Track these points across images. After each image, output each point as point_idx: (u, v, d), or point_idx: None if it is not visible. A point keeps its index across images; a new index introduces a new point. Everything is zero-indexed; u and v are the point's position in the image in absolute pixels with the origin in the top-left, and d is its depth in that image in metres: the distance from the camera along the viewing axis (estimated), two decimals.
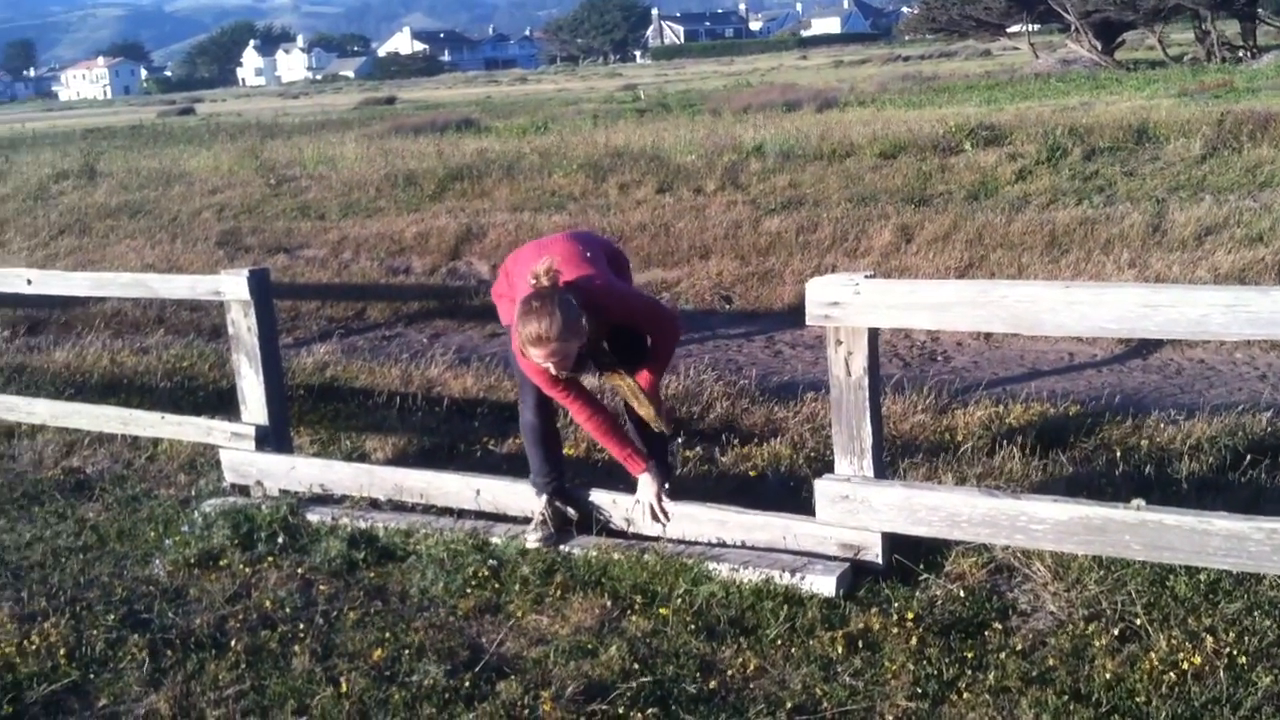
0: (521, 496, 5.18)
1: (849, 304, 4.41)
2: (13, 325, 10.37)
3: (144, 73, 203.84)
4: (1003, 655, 3.90)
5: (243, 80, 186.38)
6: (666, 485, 5.04)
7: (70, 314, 10.68)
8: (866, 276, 4.44)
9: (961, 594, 4.32)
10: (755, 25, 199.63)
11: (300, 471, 5.76)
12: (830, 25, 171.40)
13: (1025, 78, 34.03)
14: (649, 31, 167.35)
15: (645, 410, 4.90)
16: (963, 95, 27.68)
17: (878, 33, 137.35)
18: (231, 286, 5.74)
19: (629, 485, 5.10)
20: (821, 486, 4.62)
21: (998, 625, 4.10)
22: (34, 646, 4.37)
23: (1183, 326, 3.88)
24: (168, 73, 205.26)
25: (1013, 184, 12.53)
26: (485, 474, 5.51)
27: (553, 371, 4.71)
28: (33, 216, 16.21)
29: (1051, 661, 3.83)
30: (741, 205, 12.72)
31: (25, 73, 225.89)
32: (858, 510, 4.53)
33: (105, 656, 4.32)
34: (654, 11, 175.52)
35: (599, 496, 5.10)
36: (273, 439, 5.88)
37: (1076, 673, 3.76)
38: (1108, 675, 3.70)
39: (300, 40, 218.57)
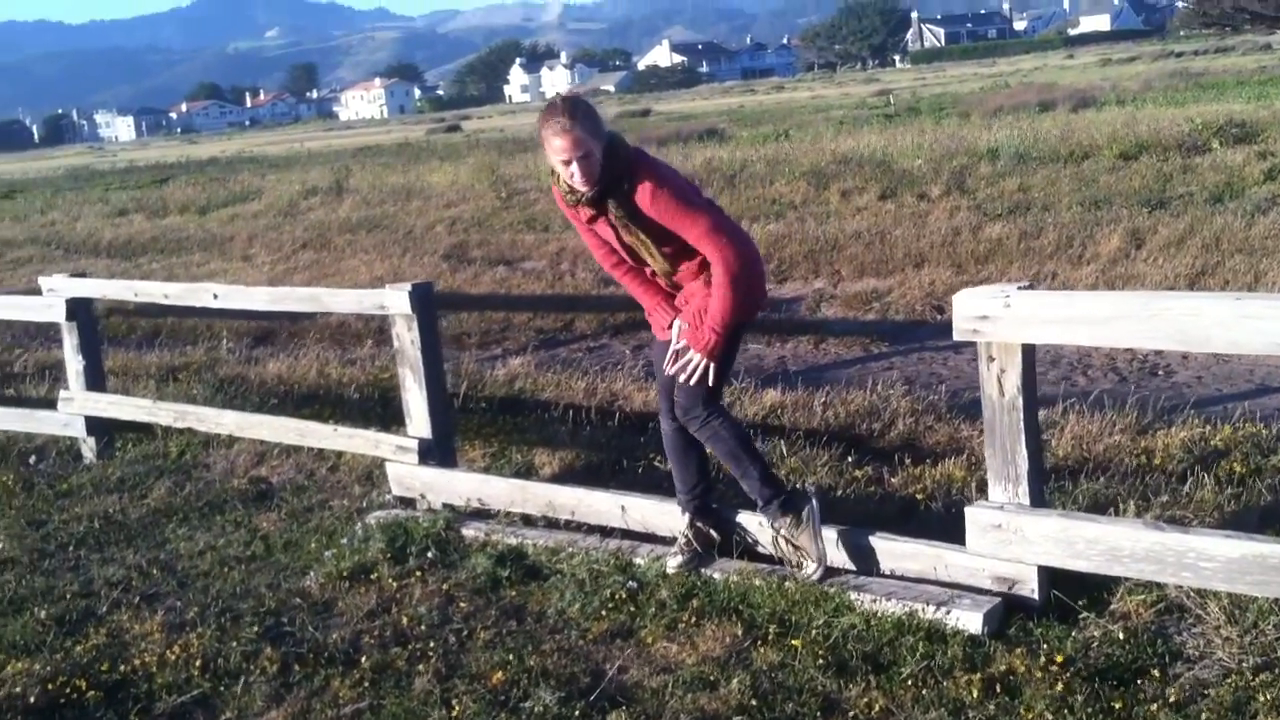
0: (670, 516, 5.00)
1: (999, 318, 4.09)
2: (240, 336, 10.79)
3: (418, 92, 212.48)
4: (1154, 707, 3.52)
5: (509, 97, 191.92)
6: (781, 499, 4.66)
7: (298, 325, 11.03)
8: (1020, 288, 4.12)
9: (1121, 636, 3.93)
10: (1020, 25, 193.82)
11: (459, 485, 5.73)
12: (1100, 23, 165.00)
13: None
14: (908, 35, 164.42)
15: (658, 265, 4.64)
16: (1231, 92, 26.12)
17: (1150, 29, 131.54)
18: (395, 301, 5.76)
19: None
20: (973, 514, 4.30)
21: (1155, 673, 3.71)
22: (174, 657, 4.45)
23: None
24: (440, 92, 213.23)
25: (1260, 184, 11.68)
26: (635, 492, 5.35)
27: (575, 183, 4.46)
28: (279, 231, 16.99)
29: (1206, 716, 3.43)
30: (965, 211, 12.26)
31: (308, 94, 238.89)
32: (1010, 541, 4.19)
33: (239, 669, 4.36)
34: (914, 15, 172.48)
35: (746, 519, 4.87)
36: (436, 452, 5.87)
37: None
38: None
39: (564, 57, 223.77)
